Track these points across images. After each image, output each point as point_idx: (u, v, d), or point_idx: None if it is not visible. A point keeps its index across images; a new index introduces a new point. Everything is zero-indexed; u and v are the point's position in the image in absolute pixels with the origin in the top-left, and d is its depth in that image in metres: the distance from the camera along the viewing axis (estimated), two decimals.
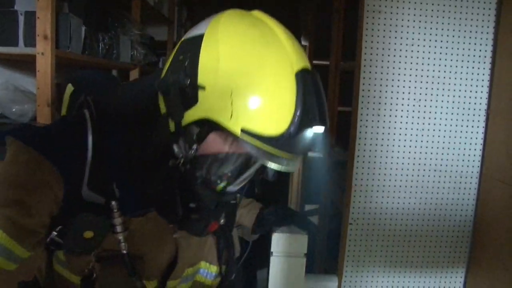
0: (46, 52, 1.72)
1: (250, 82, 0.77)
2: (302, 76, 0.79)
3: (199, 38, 0.82)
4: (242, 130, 0.76)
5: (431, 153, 1.63)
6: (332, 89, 2.17)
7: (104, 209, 0.89)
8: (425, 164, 1.63)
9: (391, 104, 1.60)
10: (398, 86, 1.59)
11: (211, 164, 0.86)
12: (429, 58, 1.57)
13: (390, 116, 1.60)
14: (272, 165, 0.81)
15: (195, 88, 0.80)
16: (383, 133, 1.61)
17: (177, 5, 3.89)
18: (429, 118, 1.61)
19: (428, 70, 1.58)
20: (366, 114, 1.59)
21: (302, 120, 0.78)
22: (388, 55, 1.57)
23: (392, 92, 1.59)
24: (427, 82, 1.59)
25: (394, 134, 1.61)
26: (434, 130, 1.62)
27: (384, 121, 1.60)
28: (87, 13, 2.07)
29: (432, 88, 1.59)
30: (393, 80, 1.58)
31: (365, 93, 1.58)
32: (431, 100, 1.60)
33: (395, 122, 1.60)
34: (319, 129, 0.82)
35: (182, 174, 0.86)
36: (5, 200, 0.81)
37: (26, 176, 0.82)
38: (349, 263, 1.67)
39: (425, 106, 1.60)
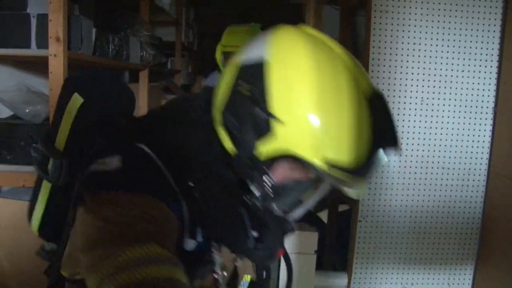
0: (58, 54, 1.75)
1: (328, 111, 0.74)
2: (374, 101, 0.77)
3: (263, 64, 0.78)
4: (323, 161, 0.73)
5: (439, 151, 1.65)
6: None
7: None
8: (433, 162, 1.65)
9: (398, 103, 1.61)
10: (405, 85, 1.61)
11: (284, 193, 0.84)
12: (436, 57, 1.59)
13: (398, 114, 1.62)
14: (350, 192, 0.81)
15: (268, 119, 0.75)
16: None
17: (185, 6, 3.92)
18: (437, 116, 1.63)
19: (435, 69, 1.60)
20: None
21: (379, 145, 0.76)
22: (396, 54, 1.59)
23: (400, 91, 1.61)
24: (434, 81, 1.60)
25: (402, 132, 1.62)
26: (441, 128, 1.63)
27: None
28: (97, 14, 2.10)
29: (439, 87, 1.61)
30: (400, 79, 1.60)
31: None
32: (438, 99, 1.62)
33: (403, 120, 1.62)
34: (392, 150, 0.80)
35: (252, 206, 0.86)
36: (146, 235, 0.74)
37: (153, 213, 0.77)
38: (359, 260, 1.69)
39: (432, 104, 1.62)
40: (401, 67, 1.60)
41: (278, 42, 0.80)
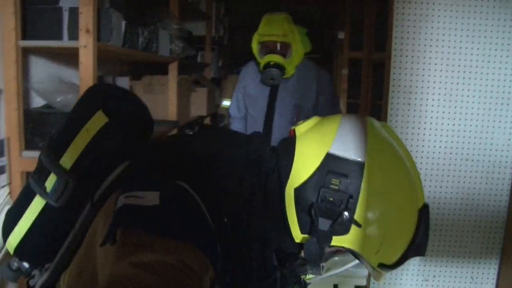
0: (88, 45, 1.81)
1: (394, 227, 0.82)
2: (424, 213, 0.85)
3: (361, 166, 0.81)
4: (377, 264, 0.83)
5: (463, 142, 1.63)
6: (365, 81, 2.18)
7: None
8: (456, 153, 1.63)
9: (421, 93, 1.60)
10: (429, 75, 1.59)
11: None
12: (460, 47, 1.57)
13: (421, 105, 1.61)
14: (375, 279, 0.87)
15: (350, 223, 0.80)
16: (413, 122, 1.61)
17: (215, 0, 3.96)
18: (461, 107, 1.61)
19: (459, 59, 1.58)
20: (396, 103, 1.60)
21: (414, 255, 0.85)
22: (419, 44, 1.58)
23: (423, 81, 1.60)
24: (458, 71, 1.59)
25: (425, 123, 1.61)
26: (465, 119, 1.61)
27: (414, 110, 1.61)
28: (127, 8, 2.16)
29: (463, 77, 1.59)
30: (423, 69, 1.59)
31: (395, 82, 1.59)
32: (462, 89, 1.59)
33: (426, 111, 1.61)
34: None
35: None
36: None
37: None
38: None
39: (456, 95, 1.60)
40: (424, 57, 1.58)
41: (374, 147, 0.83)
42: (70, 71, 2.29)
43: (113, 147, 0.91)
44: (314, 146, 0.86)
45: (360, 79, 2.91)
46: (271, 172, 0.88)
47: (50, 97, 1.94)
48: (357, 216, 0.80)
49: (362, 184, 0.80)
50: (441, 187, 1.65)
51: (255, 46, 2.52)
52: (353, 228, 0.80)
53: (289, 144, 0.90)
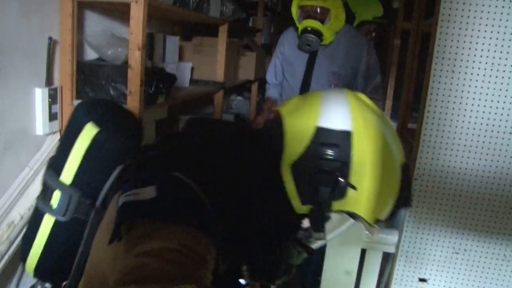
0: (140, 0, 1.87)
1: (384, 185, 0.89)
2: (405, 169, 0.94)
3: (350, 135, 0.88)
4: (373, 220, 0.91)
5: (507, 115, 1.57)
6: (412, 51, 2.12)
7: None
8: (499, 126, 1.58)
9: (467, 61, 1.55)
10: (477, 43, 1.54)
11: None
12: (508, 14, 1.50)
13: (466, 73, 1.56)
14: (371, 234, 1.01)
15: (346, 187, 0.88)
16: (456, 91, 1.57)
17: None
18: (507, 77, 1.55)
19: (506, 27, 1.51)
20: (440, 70, 1.56)
21: (402, 206, 0.95)
22: (469, 10, 1.52)
23: (469, 49, 1.55)
24: (503, 40, 1.52)
25: (468, 92, 1.57)
26: (509, 90, 1.55)
27: (458, 79, 1.56)
28: None
29: (509, 46, 1.52)
30: (471, 36, 1.54)
31: (440, 49, 1.55)
32: (506, 59, 1.53)
33: (470, 80, 1.56)
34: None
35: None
36: None
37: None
38: (411, 219, 1.68)
39: (504, 65, 1.54)
40: (474, 24, 1.53)
41: (358, 115, 0.90)
42: (122, 27, 2.37)
43: (108, 154, 0.96)
44: (303, 123, 0.92)
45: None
46: (263, 154, 0.94)
47: (102, 51, 2.03)
48: (352, 180, 0.87)
49: (352, 151, 0.87)
50: (480, 159, 1.61)
51: (294, 10, 2.46)
52: (350, 191, 0.88)
53: (276, 125, 0.95)
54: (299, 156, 0.90)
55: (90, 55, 2.18)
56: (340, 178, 0.87)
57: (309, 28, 2.35)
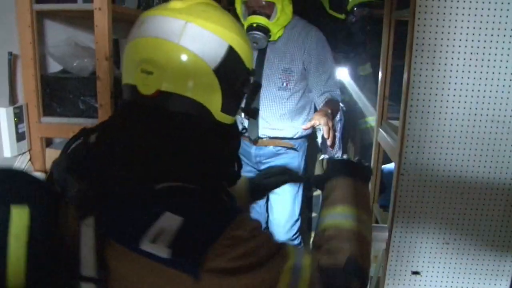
0: (103, 7, 1.78)
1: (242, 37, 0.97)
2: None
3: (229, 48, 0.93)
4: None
5: (488, 103, 1.57)
6: (386, 40, 2.10)
7: None
8: (481, 115, 1.58)
9: (446, 52, 1.54)
10: (454, 33, 1.52)
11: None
12: (490, 2, 1.49)
13: (446, 64, 1.54)
14: None
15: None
16: (437, 82, 1.56)
17: None
18: (487, 66, 1.54)
19: (488, 15, 1.50)
20: (420, 63, 1.54)
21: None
22: (445, 0, 1.50)
23: (448, 39, 1.53)
24: (486, 29, 1.51)
25: (449, 83, 1.56)
26: (492, 79, 1.55)
27: (439, 70, 1.55)
28: None
29: (491, 35, 1.51)
30: (449, 27, 1.52)
31: (419, 41, 1.53)
32: (490, 47, 1.53)
33: (451, 71, 1.55)
34: None
35: None
36: None
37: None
38: (400, 214, 1.67)
39: (483, 53, 1.53)
40: (450, 14, 1.51)
41: (226, 29, 0.93)
42: (85, 35, 2.27)
43: (52, 233, 0.80)
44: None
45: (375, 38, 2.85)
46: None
47: (66, 62, 1.93)
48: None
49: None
50: (464, 149, 1.61)
51: (238, 7, 2.32)
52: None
53: None
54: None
55: (54, 67, 2.07)
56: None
57: (254, 25, 2.22)
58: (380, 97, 2.21)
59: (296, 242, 2.60)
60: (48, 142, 2.03)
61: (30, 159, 1.92)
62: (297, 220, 2.56)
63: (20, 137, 1.85)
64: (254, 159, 2.48)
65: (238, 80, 0.96)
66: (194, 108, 0.90)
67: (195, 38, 0.88)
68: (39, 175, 1.90)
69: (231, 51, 0.93)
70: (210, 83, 0.90)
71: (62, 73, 1.98)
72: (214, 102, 0.92)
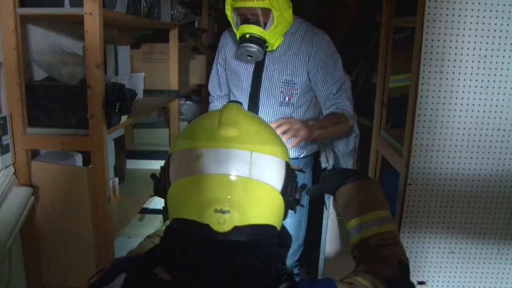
0: (94, 12, 1.68)
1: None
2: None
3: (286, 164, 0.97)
4: None
5: (495, 112, 1.56)
6: (384, 47, 2.07)
7: None
8: (488, 124, 1.57)
9: (454, 60, 1.52)
10: (462, 42, 1.51)
11: None
12: (497, 11, 1.48)
13: (454, 73, 1.53)
14: None
15: None
16: (445, 91, 1.54)
17: None
18: (495, 75, 1.54)
19: (495, 24, 1.49)
20: (428, 72, 1.52)
21: None
22: (453, 9, 1.48)
23: (456, 48, 1.51)
24: (494, 37, 1.50)
25: (457, 92, 1.54)
26: (499, 87, 1.55)
27: (447, 79, 1.53)
28: None
29: (499, 43, 1.51)
30: (457, 35, 1.50)
31: (427, 49, 1.51)
32: (497, 56, 1.52)
33: (459, 79, 1.54)
34: None
35: None
36: None
37: None
38: (407, 225, 1.65)
39: (490, 62, 1.53)
40: (458, 22, 1.50)
41: None
42: (69, 41, 2.16)
43: None
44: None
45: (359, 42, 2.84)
46: None
47: (53, 69, 1.82)
48: None
49: None
50: (471, 158, 1.59)
51: (229, 13, 1.98)
52: None
53: None
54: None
55: (38, 74, 1.96)
56: None
57: (247, 36, 1.91)
58: (378, 104, 2.18)
59: (295, 271, 2.33)
60: (34, 154, 1.90)
61: (14, 173, 1.80)
62: (300, 246, 2.31)
63: (4, 149, 1.73)
64: None
65: (294, 190, 0.97)
66: (266, 229, 0.92)
67: (263, 167, 0.90)
68: (25, 189, 1.78)
69: (287, 167, 0.96)
70: (279, 205, 0.93)
71: (48, 80, 1.87)
72: (280, 218, 0.96)
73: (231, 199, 0.87)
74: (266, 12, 1.89)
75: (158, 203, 2.72)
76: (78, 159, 2.01)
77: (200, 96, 3.60)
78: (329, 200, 1.54)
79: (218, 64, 2.26)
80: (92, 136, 1.75)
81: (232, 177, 0.88)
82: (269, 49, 1.98)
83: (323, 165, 2.12)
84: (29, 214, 1.80)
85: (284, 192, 0.93)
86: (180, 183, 0.91)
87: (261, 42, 1.92)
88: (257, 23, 1.91)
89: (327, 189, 1.44)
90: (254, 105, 2.10)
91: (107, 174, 1.79)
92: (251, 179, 0.88)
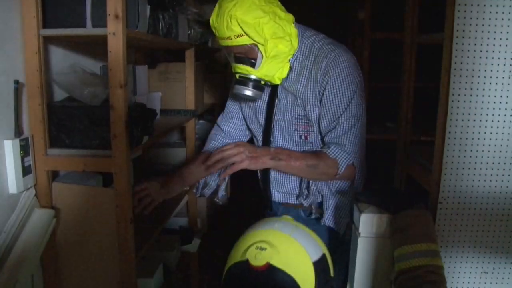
0: (118, 32, 1.67)
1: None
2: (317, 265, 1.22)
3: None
4: None
5: None
6: (408, 63, 2.06)
7: None
8: None
9: (484, 77, 1.51)
10: (492, 58, 1.49)
11: None
12: None
13: (484, 90, 1.51)
14: None
15: None
16: (475, 108, 1.52)
17: None
18: None
19: None
20: (458, 88, 1.50)
21: None
22: (483, 25, 1.47)
23: (486, 64, 1.50)
24: None
25: (488, 108, 1.52)
26: None
27: (477, 95, 1.51)
28: None
29: None
30: (487, 51, 1.49)
31: (457, 66, 1.49)
32: None
33: (489, 96, 1.52)
34: None
35: None
36: None
37: None
38: (438, 243, 1.61)
39: None
40: (488, 38, 1.48)
41: None
42: (89, 61, 2.15)
43: None
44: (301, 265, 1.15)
45: (384, 61, 2.83)
46: None
47: (75, 90, 1.81)
48: None
49: None
50: (503, 175, 1.56)
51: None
52: None
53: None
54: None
55: (59, 95, 1.95)
56: None
57: (237, 77, 1.69)
58: (403, 119, 2.16)
59: None
60: (54, 176, 1.88)
61: (35, 195, 1.77)
62: None
63: (26, 171, 1.70)
64: None
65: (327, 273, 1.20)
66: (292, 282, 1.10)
67: (303, 234, 1.20)
68: (47, 211, 1.76)
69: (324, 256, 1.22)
70: (307, 270, 1.13)
71: (69, 101, 1.85)
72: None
73: (269, 241, 1.10)
74: (252, 47, 1.63)
75: (174, 223, 2.70)
76: (99, 181, 1.99)
77: (213, 115, 3.59)
78: (358, 217, 1.52)
79: (230, 95, 2.02)
80: (115, 157, 1.73)
81: (276, 231, 1.16)
82: (273, 83, 1.71)
83: (301, 201, 1.82)
84: (50, 237, 1.77)
85: (317, 267, 1.13)
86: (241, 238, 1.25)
87: (255, 83, 1.66)
88: (247, 61, 1.66)
89: (386, 206, 1.44)
90: (267, 142, 1.84)
91: (131, 195, 1.77)
92: (290, 237, 1.13)
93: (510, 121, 1.53)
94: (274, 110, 1.78)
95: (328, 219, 1.84)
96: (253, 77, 1.65)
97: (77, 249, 1.85)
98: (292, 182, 1.87)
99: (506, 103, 1.52)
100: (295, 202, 1.90)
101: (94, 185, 1.93)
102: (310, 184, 1.78)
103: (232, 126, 2.05)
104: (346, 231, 1.84)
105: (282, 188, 1.91)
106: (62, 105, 1.81)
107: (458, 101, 1.51)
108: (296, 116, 1.73)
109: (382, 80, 3.28)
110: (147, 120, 1.86)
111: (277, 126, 1.79)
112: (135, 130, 1.77)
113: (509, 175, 1.57)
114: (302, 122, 1.73)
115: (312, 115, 1.71)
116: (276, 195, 1.95)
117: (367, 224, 1.51)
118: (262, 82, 1.68)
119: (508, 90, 1.52)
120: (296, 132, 1.75)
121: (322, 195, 1.83)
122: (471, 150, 1.55)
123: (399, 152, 2.18)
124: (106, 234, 1.78)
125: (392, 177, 2.28)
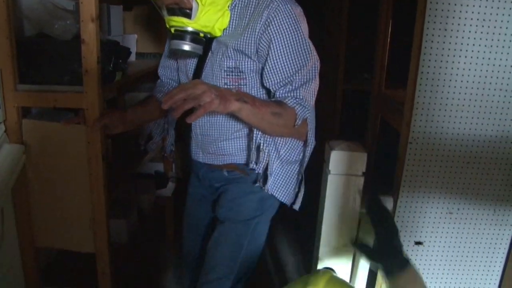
0: None
1: None
2: None
3: None
4: None
5: (498, 72, 1.56)
6: (385, 12, 2.04)
7: None
8: (490, 83, 1.57)
9: (459, 18, 1.51)
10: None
11: None
12: None
13: (458, 31, 1.52)
14: None
15: None
16: (449, 49, 1.53)
17: None
18: (499, 34, 1.53)
19: None
20: (432, 29, 1.51)
21: None
22: None
23: (461, 5, 1.50)
24: None
25: (461, 50, 1.53)
26: (503, 47, 1.54)
27: (451, 36, 1.52)
28: None
29: (505, 1, 1.49)
30: None
31: (432, 6, 1.49)
32: (503, 14, 1.51)
33: (463, 37, 1.52)
34: None
35: None
36: None
37: None
38: (406, 184, 1.65)
39: (495, 21, 1.51)
40: None
41: None
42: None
43: None
44: None
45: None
46: None
47: (45, 25, 1.75)
48: None
49: None
50: (472, 118, 1.59)
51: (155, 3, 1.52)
52: None
53: None
54: None
55: (29, 31, 1.89)
56: None
57: (173, 31, 1.49)
58: (378, 65, 2.16)
59: None
60: (25, 112, 1.85)
61: (5, 131, 1.74)
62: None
63: None
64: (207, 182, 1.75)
65: None
66: None
67: None
68: (16, 147, 1.73)
69: None
70: None
71: (39, 36, 1.80)
72: None
73: None
74: None
75: (149, 168, 2.70)
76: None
77: None
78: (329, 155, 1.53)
79: (166, 44, 1.81)
80: (87, 92, 1.70)
81: None
82: (213, 35, 1.52)
83: (251, 166, 1.55)
84: (20, 173, 1.76)
85: None
86: None
87: (192, 36, 1.48)
88: (181, 12, 1.45)
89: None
90: None
91: (102, 132, 1.75)
92: None
93: (482, 64, 1.55)
94: (205, 64, 1.57)
95: (273, 186, 1.58)
96: (190, 29, 1.46)
97: (49, 185, 1.84)
98: (234, 142, 1.61)
99: (479, 45, 1.53)
100: (221, 163, 1.64)
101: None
102: (262, 145, 1.53)
103: (168, 76, 1.86)
104: (295, 201, 1.61)
105: (212, 149, 1.64)
106: (31, 40, 1.76)
107: (432, 41, 1.52)
108: (226, 68, 1.52)
109: (360, 36, 3.24)
110: (120, 57, 1.82)
111: (206, 81, 1.52)
112: (107, 66, 1.73)
113: (478, 117, 1.59)
114: (232, 74, 1.52)
115: (245, 67, 1.50)
116: (201, 156, 1.68)
117: (337, 162, 1.53)
118: (201, 35, 1.49)
119: (482, 33, 1.52)
120: (226, 86, 1.52)
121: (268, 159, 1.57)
122: (443, 92, 1.56)
123: (373, 95, 2.19)
124: (78, 171, 1.77)
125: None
